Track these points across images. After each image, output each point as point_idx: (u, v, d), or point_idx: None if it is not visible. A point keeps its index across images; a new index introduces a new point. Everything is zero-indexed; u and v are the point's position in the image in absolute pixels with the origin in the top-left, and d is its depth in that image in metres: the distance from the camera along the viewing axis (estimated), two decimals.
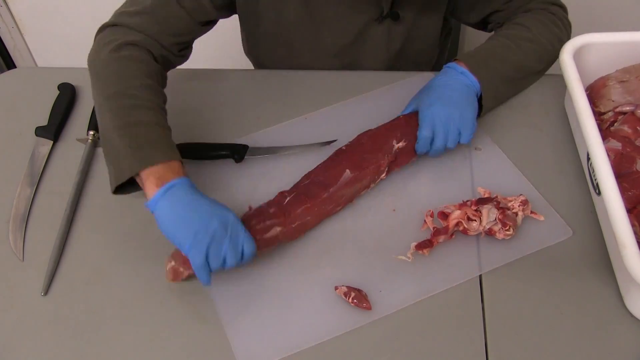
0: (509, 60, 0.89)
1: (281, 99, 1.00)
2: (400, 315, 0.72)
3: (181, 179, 0.71)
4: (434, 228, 0.78)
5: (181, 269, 0.73)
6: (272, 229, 0.75)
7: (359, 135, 0.85)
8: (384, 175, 0.83)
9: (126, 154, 0.71)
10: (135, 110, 0.75)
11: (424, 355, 0.69)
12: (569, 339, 0.69)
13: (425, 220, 0.80)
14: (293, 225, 0.77)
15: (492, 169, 0.86)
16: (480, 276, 0.75)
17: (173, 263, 0.73)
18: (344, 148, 0.84)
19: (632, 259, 0.64)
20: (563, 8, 0.95)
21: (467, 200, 0.79)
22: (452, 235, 0.78)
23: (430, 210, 0.81)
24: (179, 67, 0.96)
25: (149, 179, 0.70)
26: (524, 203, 0.78)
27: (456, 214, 0.77)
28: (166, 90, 0.86)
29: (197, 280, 0.70)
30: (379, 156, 0.82)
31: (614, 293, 0.73)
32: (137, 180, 0.73)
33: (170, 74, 0.92)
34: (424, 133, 0.81)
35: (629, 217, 0.69)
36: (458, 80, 0.84)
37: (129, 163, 0.71)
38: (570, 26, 0.95)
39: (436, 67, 1.21)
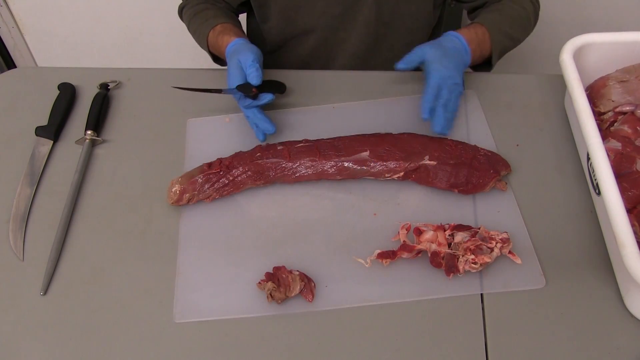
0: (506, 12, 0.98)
1: (282, 97, 1.00)
2: (336, 314, 0.72)
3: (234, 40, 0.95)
4: (403, 242, 0.77)
5: (186, 195, 0.82)
6: (270, 162, 0.84)
7: (406, 133, 0.87)
8: (397, 176, 0.84)
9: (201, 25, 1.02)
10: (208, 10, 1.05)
11: None
12: (569, 339, 0.69)
13: (399, 232, 0.79)
14: (292, 166, 0.83)
15: (495, 201, 0.83)
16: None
17: (177, 187, 0.82)
18: (382, 133, 0.87)
19: (632, 259, 0.64)
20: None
21: (446, 224, 0.78)
22: (418, 254, 0.76)
23: (407, 223, 0.79)
24: (179, 67, 1.00)
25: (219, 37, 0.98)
26: (505, 241, 0.75)
27: (429, 235, 0.76)
28: (166, 90, 0.86)
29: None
30: (404, 157, 0.83)
31: (614, 293, 0.73)
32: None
33: (170, 73, 0.92)
34: (429, 87, 0.86)
35: (629, 217, 0.69)
36: (458, 48, 0.91)
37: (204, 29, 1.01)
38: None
39: None
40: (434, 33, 1.17)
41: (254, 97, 0.88)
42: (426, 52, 0.88)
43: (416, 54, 0.89)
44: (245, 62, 0.88)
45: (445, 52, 0.89)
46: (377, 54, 1.10)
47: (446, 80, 0.86)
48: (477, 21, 0.97)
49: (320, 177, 0.85)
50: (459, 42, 0.92)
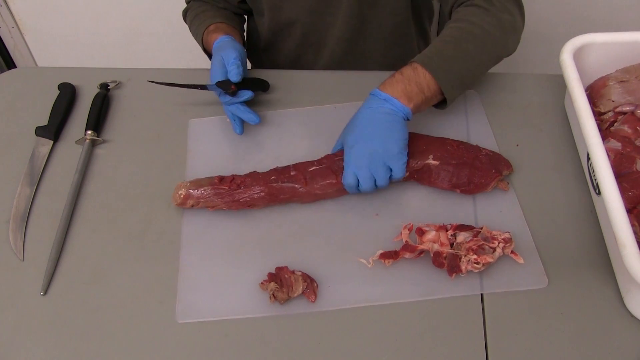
0: (462, 39, 0.86)
1: (279, 97, 1.00)
2: (339, 315, 0.72)
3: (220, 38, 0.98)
4: (405, 242, 0.77)
5: (190, 201, 0.82)
6: (286, 187, 0.82)
7: (409, 132, 0.85)
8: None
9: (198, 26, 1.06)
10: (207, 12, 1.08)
11: None
12: (568, 339, 0.69)
13: (401, 232, 0.78)
14: (311, 192, 0.81)
15: (497, 201, 0.83)
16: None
17: (184, 191, 0.81)
18: None
19: (632, 259, 0.64)
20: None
21: (448, 224, 0.78)
22: (420, 254, 0.76)
23: (410, 224, 0.79)
24: (179, 67, 1.00)
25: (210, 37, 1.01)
26: (507, 241, 0.75)
27: (431, 235, 0.76)
28: (166, 90, 0.87)
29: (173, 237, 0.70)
30: (410, 155, 0.83)
31: (614, 293, 0.73)
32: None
33: (170, 73, 0.92)
34: (347, 180, 0.79)
35: (629, 217, 0.69)
36: (380, 111, 0.80)
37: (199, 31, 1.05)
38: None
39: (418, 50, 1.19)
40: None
41: (233, 94, 0.91)
42: (345, 137, 0.82)
43: (339, 141, 0.85)
44: (227, 59, 0.91)
45: (361, 134, 0.80)
46: (366, 35, 1.10)
47: (362, 159, 0.78)
48: (411, 60, 0.84)
49: (341, 194, 0.83)
50: (387, 105, 0.81)
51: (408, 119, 0.82)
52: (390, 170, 0.79)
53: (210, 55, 1.05)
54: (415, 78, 0.82)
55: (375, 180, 0.79)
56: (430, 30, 1.21)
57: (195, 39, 1.08)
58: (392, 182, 0.81)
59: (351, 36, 1.09)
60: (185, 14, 1.12)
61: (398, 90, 0.81)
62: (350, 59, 1.12)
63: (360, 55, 1.12)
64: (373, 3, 1.04)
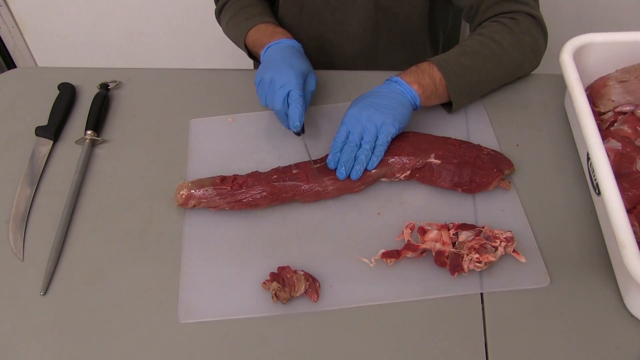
0: (480, 54, 0.91)
1: None
2: (341, 314, 0.72)
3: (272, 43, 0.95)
4: (408, 241, 0.77)
5: (192, 201, 0.81)
6: (288, 185, 0.82)
7: (410, 131, 0.88)
8: (403, 175, 0.84)
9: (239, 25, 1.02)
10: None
11: None
12: (569, 339, 0.69)
13: (403, 231, 0.78)
14: (313, 190, 0.82)
15: (498, 200, 0.83)
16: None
17: (185, 191, 0.81)
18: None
19: (632, 259, 0.64)
20: (535, 17, 0.94)
21: (450, 223, 0.78)
22: (422, 253, 0.76)
23: (411, 223, 0.79)
24: (179, 67, 0.99)
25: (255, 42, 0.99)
26: (509, 240, 0.75)
27: (433, 234, 0.76)
28: (166, 89, 0.86)
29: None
30: (414, 153, 0.84)
31: (614, 293, 0.73)
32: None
33: (170, 73, 0.92)
34: (339, 137, 0.84)
35: (629, 217, 0.70)
36: (387, 88, 0.87)
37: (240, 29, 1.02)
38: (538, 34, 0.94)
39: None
40: (449, 38, 1.17)
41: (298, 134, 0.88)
42: (348, 109, 0.86)
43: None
44: (309, 85, 0.90)
45: (366, 99, 0.86)
46: (378, 38, 1.11)
47: (358, 124, 0.83)
48: (428, 59, 0.91)
49: (343, 192, 0.84)
50: (396, 85, 0.87)
51: (416, 105, 0.87)
52: (377, 137, 0.83)
53: (248, 50, 1.03)
54: (430, 71, 0.89)
55: (361, 137, 0.83)
56: (442, 41, 1.22)
57: (233, 31, 1.03)
58: (369, 172, 0.83)
59: (362, 38, 1.09)
60: (222, 6, 1.07)
61: (410, 77, 0.88)
62: (358, 61, 1.12)
63: (369, 59, 1.13)
64: (388, 7, 1.05)
